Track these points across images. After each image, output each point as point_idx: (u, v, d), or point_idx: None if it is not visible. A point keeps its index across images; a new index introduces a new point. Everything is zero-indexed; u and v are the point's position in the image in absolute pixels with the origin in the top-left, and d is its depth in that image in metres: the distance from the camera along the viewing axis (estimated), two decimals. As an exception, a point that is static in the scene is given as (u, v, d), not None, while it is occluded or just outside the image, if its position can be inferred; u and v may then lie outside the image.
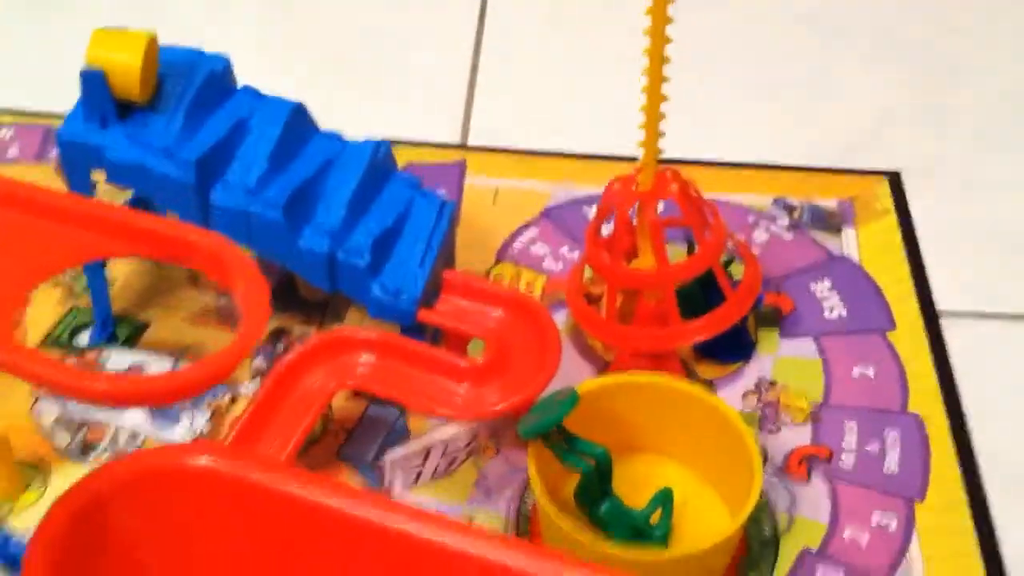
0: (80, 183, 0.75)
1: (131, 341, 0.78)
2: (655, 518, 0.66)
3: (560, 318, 0.80)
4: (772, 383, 0.77)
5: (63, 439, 0.72)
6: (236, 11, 1.11)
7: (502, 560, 0.41)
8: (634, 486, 0.68)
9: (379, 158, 0.76)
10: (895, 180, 0.93)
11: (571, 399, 0.65)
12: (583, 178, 0.92)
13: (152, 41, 0.72)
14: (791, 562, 0.67)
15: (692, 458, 0.70)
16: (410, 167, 0.91)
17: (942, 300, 0.83)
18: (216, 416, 0.74)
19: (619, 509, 0.65)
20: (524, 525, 0.69)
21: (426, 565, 0.42)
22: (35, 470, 0.70)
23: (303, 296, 0.81)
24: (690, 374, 0.77)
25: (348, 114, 0.96)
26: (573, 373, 0.77)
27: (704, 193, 0.77)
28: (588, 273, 0.79)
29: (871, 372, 0.78)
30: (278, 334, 0.79)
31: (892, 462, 0.72)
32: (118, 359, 0.77)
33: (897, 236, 0.88)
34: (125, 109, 0.74)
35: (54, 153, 0.90)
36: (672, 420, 0.69)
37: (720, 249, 0.75)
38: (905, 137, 0.97)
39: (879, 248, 0.87)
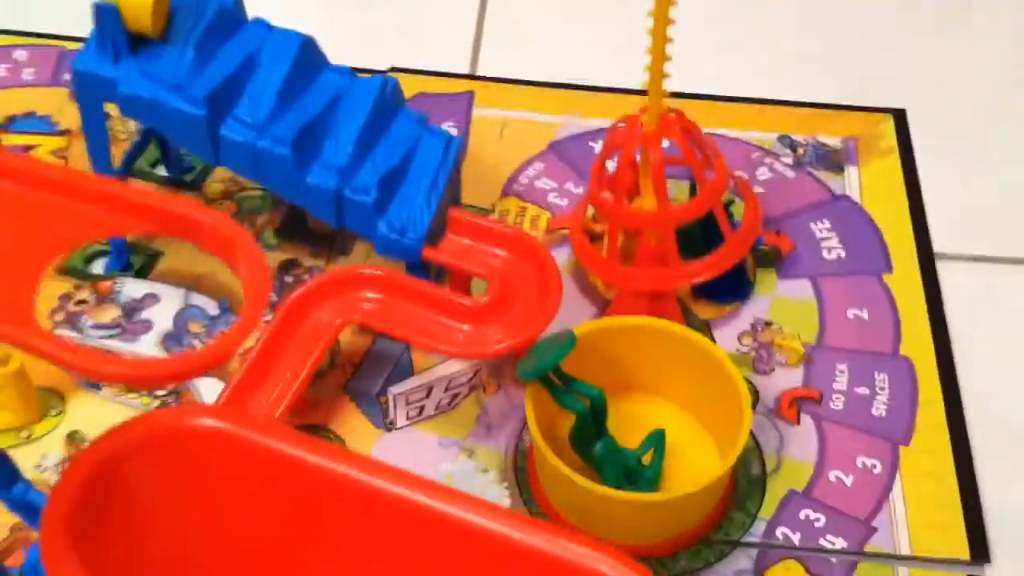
0: (93, 114, 0.77)
1: (145, 270, 0.80)
2: (647, 458, 0.68)
3: (563, 255, 0.82)
4: (768, 324, 0.79)
5: (79, 368, 0.75)
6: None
7: (501, 530, 0.44)
8: (629, 425, 0.70)
9: (387, 94, 0.77)
10: (900, 118, 0.93)
11: (568, 342, 0.67)
12: (591, 110, 0.93)
13: (164, -24, 0.73)
14: (777, 502, 0.69)
15: (685, 399, 0.72)
16: (419, 96, 0.92)
17: (940, 242, 0.84)
18: (226, 346, 0.76)
19: (612, 449, 0.68)
20: (522, 460, 0.71)
21: (420, 529, 0.44)
22: (53, 396, 0.73)
23: (312, 228, 0.83)
24: (688, 314, 0.79)
25: (360, 43, 0.97)
26: (574, 311, 0.79)
27: (709, 128, 0.77)
28: (591, 211, 0.81)
29: (865, 314, 0.79)
30: (287, 265, 0.81)
31: (880, 405, 0.74)
32: (132, 288, 0.79)
33: (899, 176, 0.89)
34: (137, 41, 0.75)
35: (68, 76, 0.91)
36: (667, 362, 0.72)
37: (721, 192, 0.76)
38: (913, 75, 0.97)
39: (881, 188, 0.88)
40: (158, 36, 0.75)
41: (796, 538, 0.68)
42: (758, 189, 0.87)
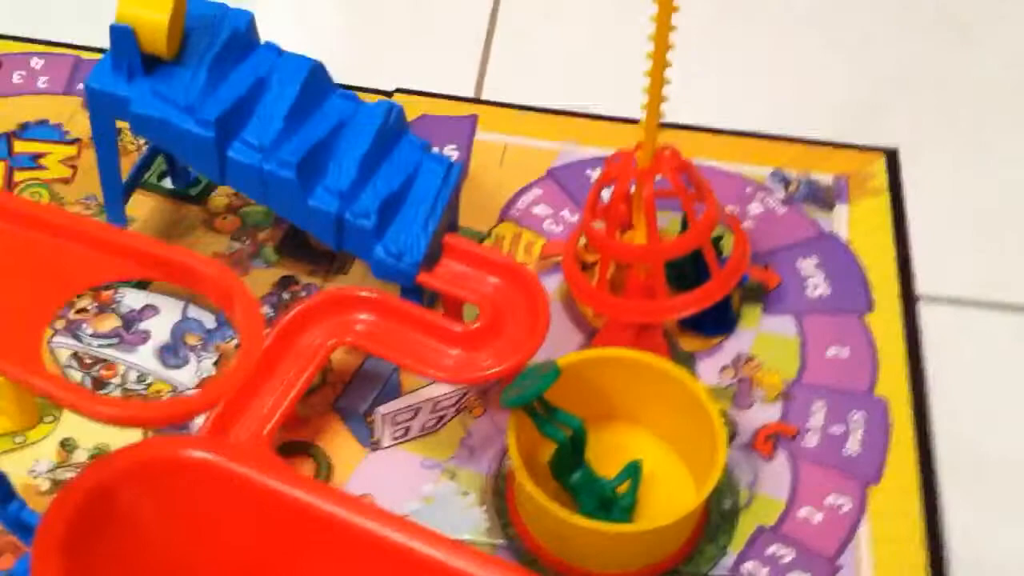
0: (104, 130, 0.79)
1: (145, 281, 0.83)
2: (623, 488, 0.71)
3: (554, 282, 0.84)
4: (750, 358, 0.81)
5: (76, 375, 0.77)
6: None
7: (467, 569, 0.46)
8: (609, 453, 0.73)
9: (391, 120, 0.80)
10: (892, 157, 0.95)
11: (552, 373, 0.69)
12: (589, 138, 0.94)
13: (180, -1, 0.75)
14: (746, 536, 0.71)
15: (665, 431, 0.74)
16: (423, 119, 0.94)
17: (923, 284, 0.86)
18: (222, 359, 0.79)
19: (589, 478, 0.70)
20: (502, 484, 0.74)
21: (389, 563, 0.47)
22: (49, 403, 0.76)
23: (313, 245, 0.85)
24: (673, 346, 0.81)
25: (367, 63, 0.98)
26: (563, 338, 0.81)
27: (704, 160, 0.79)
28: (584, 240, 0.83)
29: (845, 353, 0.81)
30: (285, 282, 0.83)
31: (854, 444, 0.76)
32: (132, 298, 0.82)
33: (888, 216, 0.91)
34: (151, 62, 0.77)
35: (82, 86, 0.93)
36: (648, 394, 0.74)
37: (710, 229, 0.78)
38: (906, 113, 0.99)
39: (869, 227, 0.90)
40: (172, 58, 0.77)
41: (763, 573, 0.70)
42: (749, 224, 0.89)
